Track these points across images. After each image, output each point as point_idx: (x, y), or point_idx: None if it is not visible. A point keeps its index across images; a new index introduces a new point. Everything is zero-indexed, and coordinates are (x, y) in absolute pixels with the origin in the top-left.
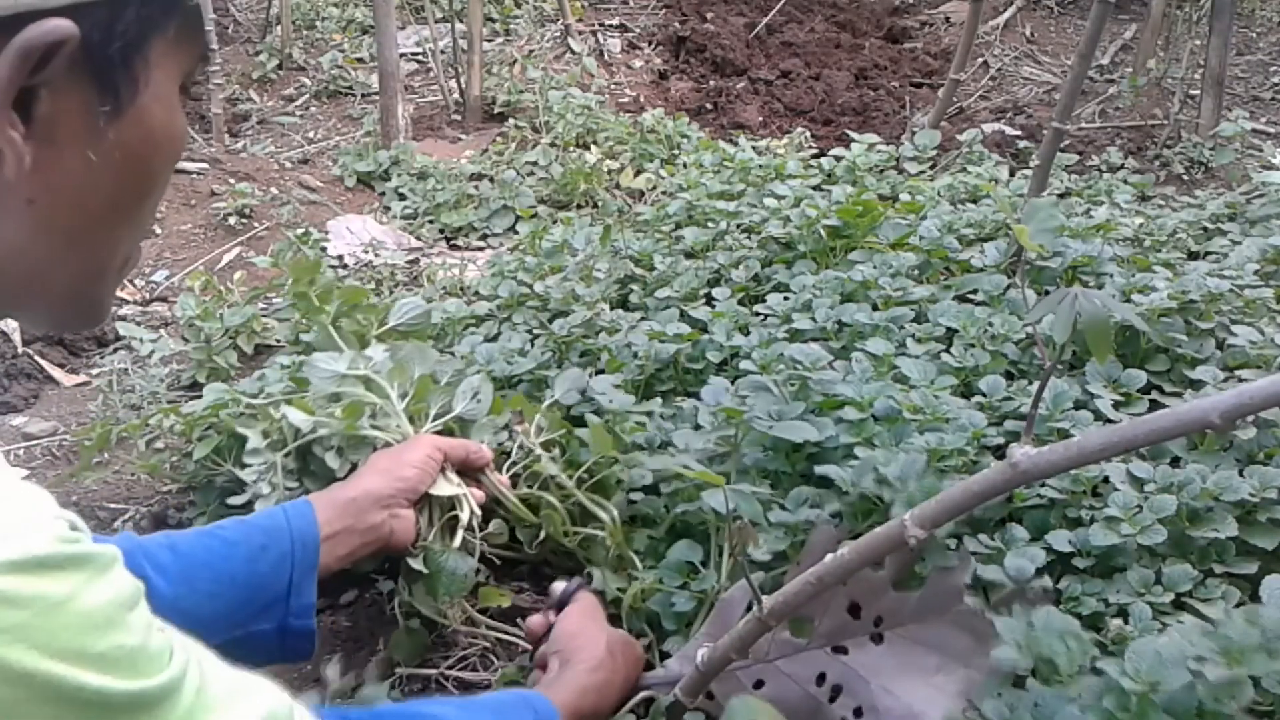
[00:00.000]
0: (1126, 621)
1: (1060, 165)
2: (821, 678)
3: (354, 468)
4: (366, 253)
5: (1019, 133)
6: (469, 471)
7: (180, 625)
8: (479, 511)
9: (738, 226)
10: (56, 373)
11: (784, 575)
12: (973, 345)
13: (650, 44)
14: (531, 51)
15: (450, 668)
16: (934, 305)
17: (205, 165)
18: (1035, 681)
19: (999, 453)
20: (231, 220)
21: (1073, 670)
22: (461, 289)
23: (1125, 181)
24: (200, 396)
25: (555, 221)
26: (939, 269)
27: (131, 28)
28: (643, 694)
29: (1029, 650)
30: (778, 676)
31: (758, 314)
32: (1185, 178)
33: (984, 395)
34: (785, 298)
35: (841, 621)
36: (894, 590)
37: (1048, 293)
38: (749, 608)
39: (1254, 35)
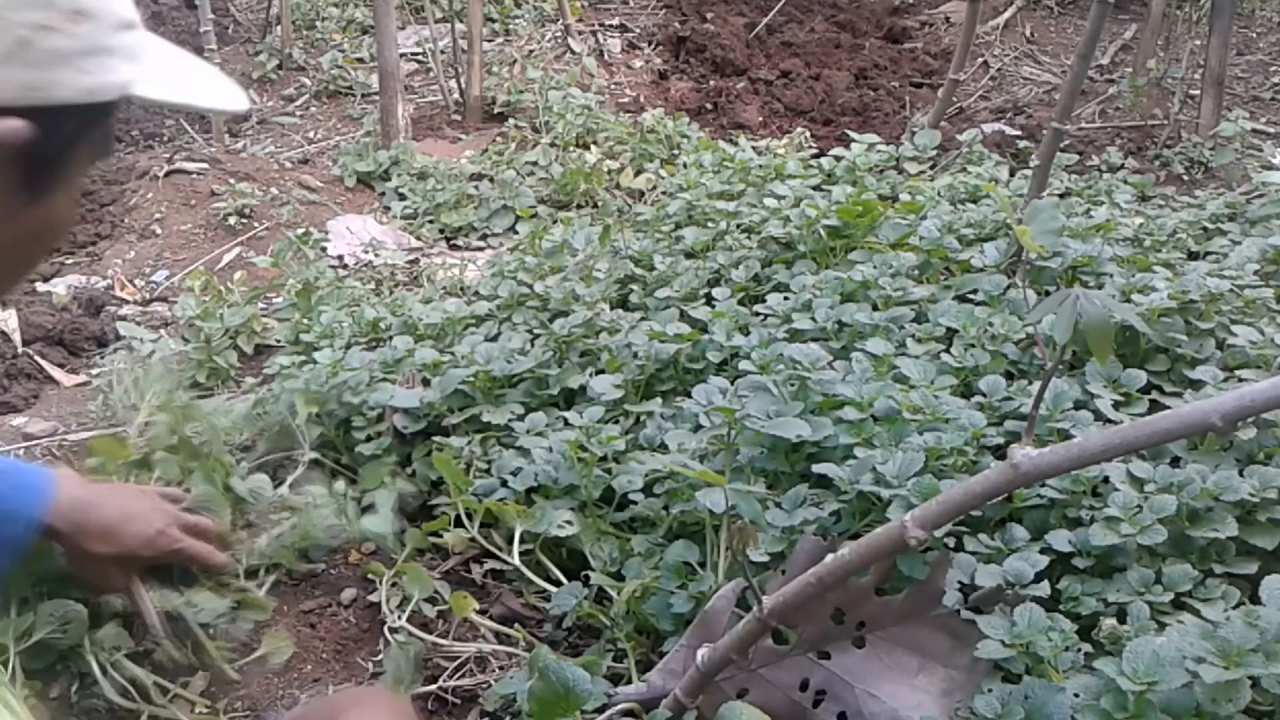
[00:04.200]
0: (1124, 622)
1: (1060, 165)
2: (805, 684)
3: None
4: (366, 253)
5: (1019, 133)
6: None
7: None
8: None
9: (738, 226)
10: (56, 373)
11: (769, 579)
12: (973, 345)
13: (650, 44)
14: (531, 51)
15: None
16: (934, 305)
17: (205, 165)
18: (1027, 678)
19: (999, 453)
20: (231, 220)
21: (1057, 656)
22: (461, 289)
23: (1125, 181)
24: (203, 396)
25: (555, 221)
26: (939, 269)
27: (71, 133)
28: (620, 706)
29: (1015, 644)
30: (762, 684)
31: (758, 314)
32: (1185, 178)
33: (984, 395)
34: (785, 298)
35: (824, 627)
36: (876, 595)
37: (1048, 293)
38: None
39: (1254, 35)
